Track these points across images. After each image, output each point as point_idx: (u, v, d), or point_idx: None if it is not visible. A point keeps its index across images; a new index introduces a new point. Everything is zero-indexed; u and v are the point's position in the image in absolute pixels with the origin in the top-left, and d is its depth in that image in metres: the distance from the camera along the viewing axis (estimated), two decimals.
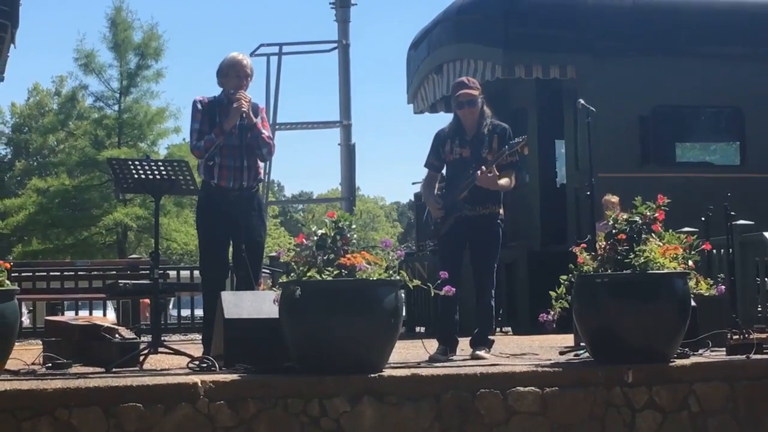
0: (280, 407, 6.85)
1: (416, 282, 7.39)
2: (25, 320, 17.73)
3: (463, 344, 8.90)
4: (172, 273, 16.70)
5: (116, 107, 42.41)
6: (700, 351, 8.29)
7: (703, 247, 8.46)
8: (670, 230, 8.07)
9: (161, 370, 7.76)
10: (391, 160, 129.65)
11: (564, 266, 8.06)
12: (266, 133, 9.01)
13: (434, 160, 9.20)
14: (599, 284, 7.77)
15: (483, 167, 8.68)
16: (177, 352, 8.20)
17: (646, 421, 7.49)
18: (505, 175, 8.85)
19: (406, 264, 14.84)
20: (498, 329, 13.80)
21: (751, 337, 8.52)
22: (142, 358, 8.01)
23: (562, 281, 8.02)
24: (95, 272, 14.76)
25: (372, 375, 7.06)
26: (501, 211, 8.99)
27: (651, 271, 7.63)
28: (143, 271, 13.89)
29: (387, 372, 7.20)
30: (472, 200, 8.86)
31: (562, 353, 8.81)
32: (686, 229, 9.25)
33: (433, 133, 9.24)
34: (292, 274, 7.30)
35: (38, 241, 41.97)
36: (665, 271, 7.66)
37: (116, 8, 41.51)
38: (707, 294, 9.02)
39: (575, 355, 8.51)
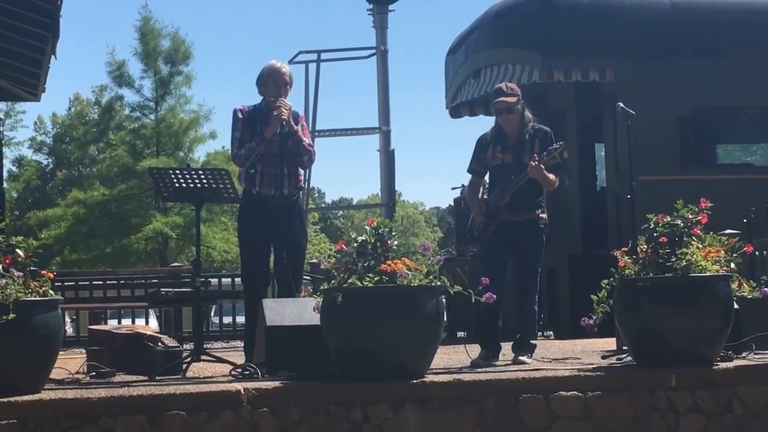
0: (323, 414, 6.87)
1: (457, 288, 7.37)
2: (69, 329, 17.89)
3: (505, 349, 8.88)
4: (214, 280, 16.71)
5: (152, 116, 42.49)
6: (744, 354, 8.23)
7: (746, 249, 8.40)
8: (711, 232, 8.03)
9: (204, 377, 7.80)
10: (430, 165, 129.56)
11: (605, 270, 8.03)
12: (306, 140, 9.04)
13: (477, 166, 9.20)
14: (641, 288, 7.74)
15: (536, 157, 8.67)
16: (219, 360, 8.25)
17: (690, 425, 7.44)
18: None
19: (447, 269, 14.78)
20: (540, 334, 13.76)
21: None
22: (184, 366, 8.06)
23: (603, 285, 7.99)
24: (137, 281, 14.81)
25: (414, 381, 7.06)
26: (544, 216, 8.98)
27: (693, 275, 7.60)
28: (185, 279, 13.94)
29: (429, 378, 7.20)
30: (514, 206, 8.86)
31: (604, 357, 8.77)
32: (728, 231, 9.18)
33: (472, 137, 9.27)
34: (333, 281, 7.31)
35: (78, 250, 42.12)
36: (707, 274, 7.63)
37: (144, 18, 41.46)
38: (750, 296, 8.94)
39: (618, 359, 8.47)
